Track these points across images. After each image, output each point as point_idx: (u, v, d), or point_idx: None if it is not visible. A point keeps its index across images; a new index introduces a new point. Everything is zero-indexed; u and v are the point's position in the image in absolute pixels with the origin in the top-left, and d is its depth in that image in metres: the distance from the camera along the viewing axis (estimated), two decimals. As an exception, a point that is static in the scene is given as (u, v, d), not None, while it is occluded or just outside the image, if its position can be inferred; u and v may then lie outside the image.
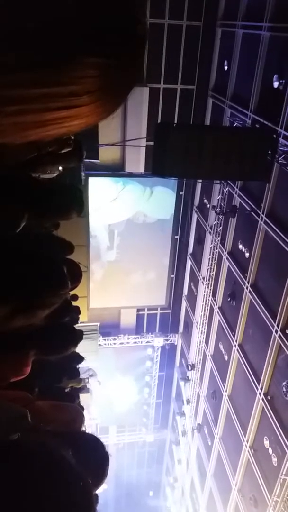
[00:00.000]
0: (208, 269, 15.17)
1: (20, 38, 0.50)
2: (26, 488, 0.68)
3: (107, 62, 0.55)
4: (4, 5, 0.49)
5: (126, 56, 0.57)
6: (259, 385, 11.64)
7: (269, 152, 9.84)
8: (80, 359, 5.82)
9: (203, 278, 15.90)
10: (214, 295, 15.07)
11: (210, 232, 15.02)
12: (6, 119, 0.55)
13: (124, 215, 16.71)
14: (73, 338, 2.46)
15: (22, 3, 0.49)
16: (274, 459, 11.02)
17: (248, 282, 12.13)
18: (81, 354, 5.78)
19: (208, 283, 15.31)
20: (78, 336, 2.86)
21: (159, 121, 14.21)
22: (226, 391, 14.17)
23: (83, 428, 2.82)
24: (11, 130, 0.58)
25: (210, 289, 15.28)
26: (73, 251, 3.52)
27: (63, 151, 2.89)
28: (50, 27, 0.51)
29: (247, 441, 12.57)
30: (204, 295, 15.88)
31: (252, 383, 12.02)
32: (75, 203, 2.53)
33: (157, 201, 16.70)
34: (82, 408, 5.61)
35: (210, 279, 15.15)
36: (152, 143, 10.89)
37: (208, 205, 15.25)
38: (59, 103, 0.56)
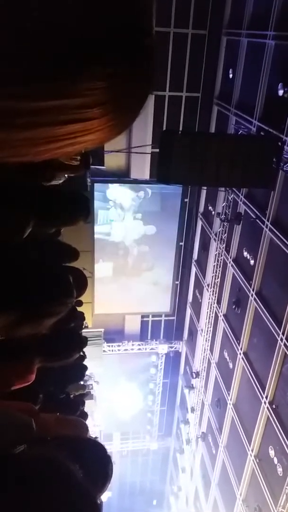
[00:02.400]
0: (213, 276, 15.14)
1: (28, 49, 0.49)
2: (32, 505, 0.68)
3: (116, 72, 0.54)
4: (13, 18, 0.48)
5: (135, 67, 0.56)
6: (264, 393, 11.55)
7: (274, 159, 9.85)
8: (85, 366, 5.81)
9: (208, 285, 15.86)
10: (219, 302, 15.02)
11: (215, 239, 15.00)
12: (16, 134, 0.54)
13: (131, 223, 16.75)
14: (78, 344, 2.45)
15: (29, 16, 0.49)
16: (280, 469, 10.90)
17: (253, 290, 12.09)
18: (85, 361, 5.76)
19: (213, 290, 15.27)
20: (82, 342, 2.86)
21: (164, 128, 14.27)
22: (230, 399, 14.07)
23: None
24: (23, 146, 0.57)
25: (215, 296, 15.24)
26: (78, 257, 3.53)
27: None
28: (59, 37, 0.50)
29: (252, 450, 12.45)
30: (208, 302, 15.83)
31: (257, 392, 11.93)
32: (82, 210, 2.54)
33: (163, 206, 16.74)
34: (86, 415, 5.59)
35: (215, 286, 15.11)
36: (157, 150, 10.93)
37: (213, 212, 15.26)
38: (70, 115, 0.55)
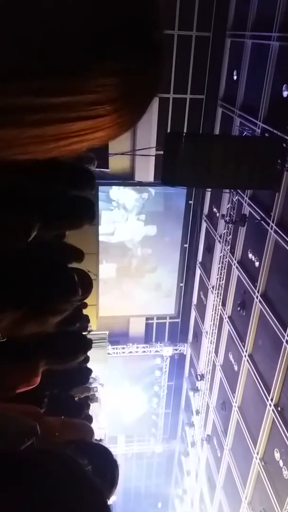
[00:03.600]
0: (217, 278, 15.10)
1: (38, 46, 0.49)
2: (42, 498, 0.67)
3: (127, 69, 0.54)
4: (23, 14, 0.48)
5: (145, 62, 0.56)
6: (269, 396, 11.49)
7: (278, 161, 9.83)
8: (89, 369, 5.80)
9: (213, 287, 15.82)
10: (223, 304, 14.98)
11: (219, 241, 14.97)
12: (26, 131, 0.54)
13: (135, 225, 16.76)
14: (83, 346, 2.45)
15: (39, 11, 0.49)
16: (285, 472, 10.83)
17: (258, 292, 12.05)
18: (89, 363, 5.75)
19: (218, 292, 15.23)
20: (87, 344, 2.85)
21: (168, 130, 14.28)
22: (235, 401, 14.01)
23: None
24: (32, 143, 0.56)
25: (220, 298, 15.20)
26: (83, 258, 3.53)
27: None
28: (69, 34, 0.50)
29: (257, 453, 12.39)
30: (213, 304, 15.79)
31: (262, 394, 11.88)
32: (87, 213, 2.54)
33: (167, 207, 16.75)
34: (91, 418, 5.58)
35: (220, 288, 15.07)
36: (161, 152, 10.94)
37: (218, 214, 15.24)
38: (82, 112, 0.55)
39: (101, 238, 16.26)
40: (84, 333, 4.27)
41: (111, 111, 0.56)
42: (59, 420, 2.14)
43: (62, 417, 2.37)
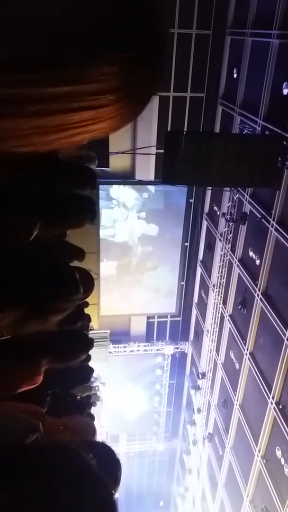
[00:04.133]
0: (218, 277, 15.10)
1: (40, 35, 0.49)
2: (48, 491, 0.67)
3: (129, 58, 0.53)
4: (26, 4, 0.48)
5: (148, 54, 0.56)
6: (270, 394, 11.50)
7: (279, 159, 9.82)
8: (91, 368, 5.81)
9: (214, 285, 15.82)
10: (224, 302, 14.98)
11: (220, 239, 14.97)
12: (27, 122, 0.53)
13: (135, 223, 16.75)
14: (85, 344, 2.45)
15: (40, 3, 0.49)
16: (287, 470, 10.84)
17: (259, 290, 12.04)
18: (91, 362, 5.76)
19: (219, 291, 15.23)
20: (89, 342, 2.85)
21: (168, 129, 14.27)
22: (237, 400, 14.02)
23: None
24: (33, 135, 0.56)
25: (221, 297, 15.20)
26: (84, 257, 3.53)
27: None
28: (70, 23, 0.50)
29: (259, 451, 12.40)
30: (214, 302, 15.79)
31: (264, 392, 11.88)
32: (88, 212, 2.54)
33: (167, 205, 16.74)
34: (93, 416, 5.59)
35: (221, 287, 15.07)
36: (162, 151, 10.93)
37: (218, 212, 15.23)
38: (83, 102, 0.54)
39: (101, 236, 16.25)
40: (86, 332, 4.28)
41: (113, 101, 0.56)
42: (61, 421, 2.15)
43: (63, 418, 2.37)
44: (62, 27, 0.49)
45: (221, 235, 14.83)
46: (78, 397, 5.04)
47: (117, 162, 14.62)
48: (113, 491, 0.73)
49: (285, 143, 9.81)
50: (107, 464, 1.44)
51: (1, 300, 1.19)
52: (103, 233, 16.33)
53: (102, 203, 15.69)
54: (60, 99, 0.52)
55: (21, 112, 0.52)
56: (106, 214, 16.23)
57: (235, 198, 13.15)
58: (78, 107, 0.55)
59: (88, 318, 6.34)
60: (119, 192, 16.00)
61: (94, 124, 0.58)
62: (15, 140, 0.56)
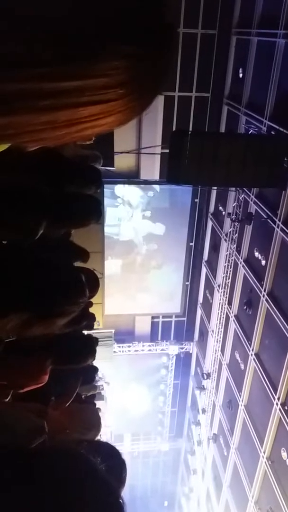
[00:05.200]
0: (223, 277, 15.06)
1: (48, 30, 0.49)
2: (55, 495, 0.66)
3: (137, 52, 0.54)
4: (35, 5, 0.49)
5: (156, 47, 0.56)
6: (276, 394, 11.45)
7: (285, 159, 9.77)
8: (95, 367, 5.81)
9: (219, 285, 15.78)
10: (229, 303, 14.94)
11: (225, 240, 14.93)
12: (38, 117, 0.54)
13: (140, 221, 16.75)
14: (90, 350, 2.45)
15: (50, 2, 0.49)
16: (292, 471, 10.80)
17: (264, 290, 12.00)
18: (95, 362, 5.75)
19: (224, 291, 15.19)
20: (94, 346, 2.85)
21: (174, 128, 14.25)
22: (242, 400, 13.97)
23: (100, 435, 2.81)
24: (44, 130, 0.56)
25: (226, 297, 15.15)
26: (88, 258, 3.53)
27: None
28: (78, 18, 0.50)
29: (264, 452, 12.35)
30: (219, 303, 15.75)
31: (269, 393, 11.83)
32: (93, 212, 2.54)
33: (172, 203, 16.73)
34: (99, 409, 5.59)
35: (226, 287, 15.03)
36: (167, 150, 10.92)
37: (224, 212, 15.18)
38: (93, 96, 0.55)
39: (106, 234, 16.27)
40: (90, 334, 4.27)
41: (122, 95, 0.57)
42: (67, 409, 2.14)
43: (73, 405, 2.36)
44: (69, 25, 0.50)
45: (226, 235, 14.80)
46: (83, 397, 5.04)
47: (122, 162, 14.63)
48: (121, 497, 0.73)
49: (291, 143, 9.77)
50: (113, 467, 1.43)
51: (4, 305, 1.18)
52: (107, 231, 16.33)
53: (107, 201, 15.70)
54: (70, 93, 0.53)
55: (33, 107, 0.53)
56: (111, 213, 16.23)
57: (240, 198, 13.11)
58: (87, 102, 0.55)
59: (93, 318, 6.33)
60: (124, 191, 16.01)
61: (103, 118, 0.59)
62: (26, 135, 0.57)
